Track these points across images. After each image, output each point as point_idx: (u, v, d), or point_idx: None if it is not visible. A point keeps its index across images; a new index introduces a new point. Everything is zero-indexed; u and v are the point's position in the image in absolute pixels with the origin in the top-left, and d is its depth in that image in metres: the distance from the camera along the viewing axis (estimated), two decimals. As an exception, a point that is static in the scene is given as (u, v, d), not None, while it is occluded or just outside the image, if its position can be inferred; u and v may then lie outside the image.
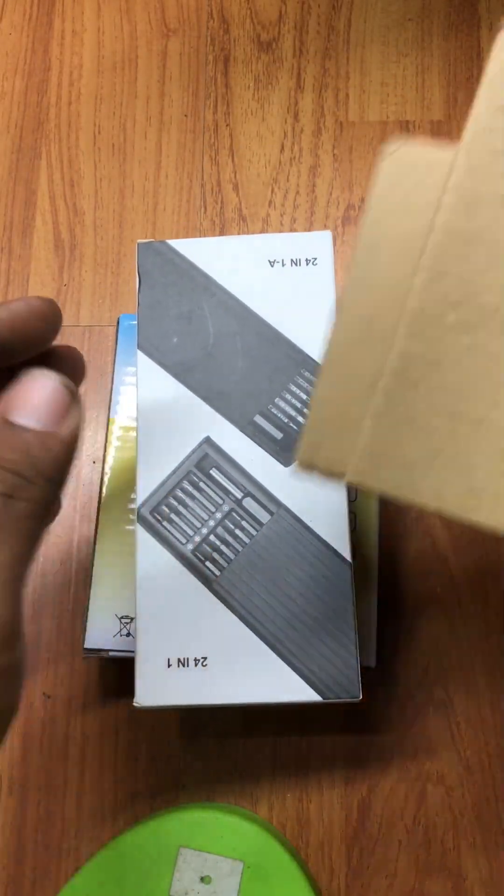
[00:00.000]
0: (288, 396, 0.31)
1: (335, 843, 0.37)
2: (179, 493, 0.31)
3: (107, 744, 0.39)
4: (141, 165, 0.48)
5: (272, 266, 0.32)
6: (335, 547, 0.30)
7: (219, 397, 0.31)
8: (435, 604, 0.40)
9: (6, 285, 0.46)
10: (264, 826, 0.36)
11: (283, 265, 0.32)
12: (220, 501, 0.30)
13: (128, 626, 0.36)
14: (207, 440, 0.31)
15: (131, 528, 0.37)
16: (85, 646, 0.36)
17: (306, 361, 0.31)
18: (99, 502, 0.38)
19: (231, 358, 0.32)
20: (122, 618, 0.36)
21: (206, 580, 0.30)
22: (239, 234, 0.46)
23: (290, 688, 0.29)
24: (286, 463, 0.31)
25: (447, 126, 0.47)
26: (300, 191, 0.47)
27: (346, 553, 0.30)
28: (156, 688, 0.29)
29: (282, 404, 0.31)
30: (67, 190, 0.47)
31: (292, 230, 0.46)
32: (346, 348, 0.19)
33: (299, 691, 0.29)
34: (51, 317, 0.26)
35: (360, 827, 0.37)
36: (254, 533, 0.30)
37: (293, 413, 0.31)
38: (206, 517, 0.30)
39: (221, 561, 0.30)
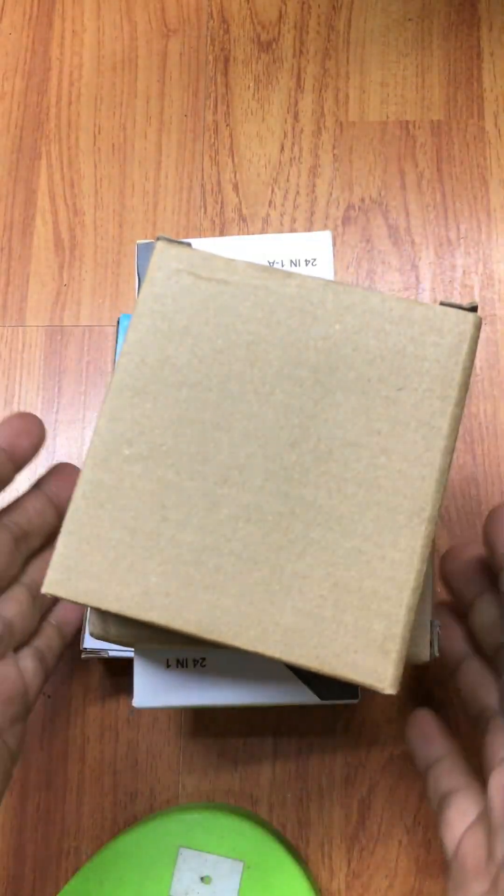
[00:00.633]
0: None
1: (335, 843, 0.37)
2: None
3: (107, 744, 0.39)
4: (141, 165, 0.48)
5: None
6: None
7: None
8: (435, 604, 0.40)
9: (6, 285, 0.46)
10: (264, 826, 0.36)
11: (282, 266, 0.32)
12: None
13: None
14: None
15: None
16: (84, 646, 0.36)
17: None
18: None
19: None
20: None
21: None
22: (239, 234, 0.46)
23: (288, 689, 0.29)
24: None
25: (447, 126, 0.47)
26: (300, 191, 0.47)
27: None
28: (154, 689, 0.29)
29: None
30: (67, 190, 0.47)
31: (292, 230, 0.46)
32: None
33: (298, 692, 0.29)
34: (36, 434, 0.31)
35: (360, 827, 0.37)
36: None
37: None
38: None
39: None
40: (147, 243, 0.33)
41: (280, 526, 0.22)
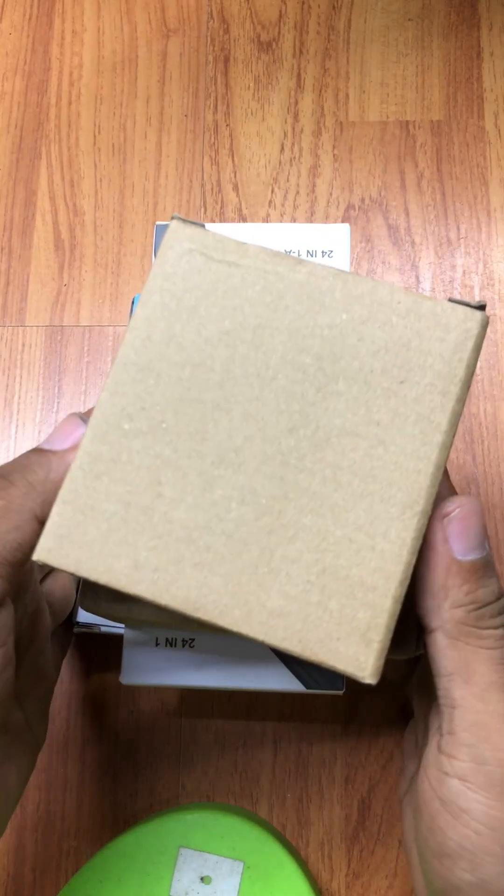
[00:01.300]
0: None
1: (335, 843, 0.37)
2: None
3: (107, 744, 0.39)
4: (141, 165, 0.48)
5: None
6: None
7: None
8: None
9: (6, 285, 0.46)
10: (264, 826, 0.36)
11: (298, 255, 0.32)
12: None
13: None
14: None
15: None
16: (77, 619, 0.36)
17: None
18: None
19: None
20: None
21: None
22: (239, 234, 0.46)
23: (275, 676, 0.29)
24: None
25: (447, 126, 0.47)
26: (300, 191, 0.47)
27: None
28: (142, 667, 0.29)
29: None
30: (67, 190, 0.47)
31: (292, 230, 0.46)
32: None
33: (284, 680, 0.29)
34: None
35: (360, 827, 0.37)
36: None
37: None
38: None
39: None
40: (166, 225, 0.33)
41: (273, 509, 0.22)
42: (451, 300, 0.23)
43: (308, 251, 0.32)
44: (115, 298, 0.45)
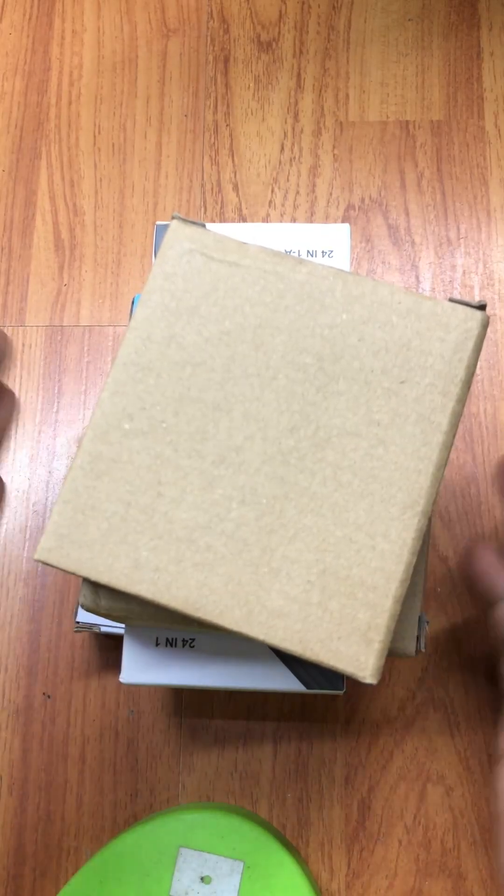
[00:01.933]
0: None
1: (335, 843, 0.37)
2: None
3: (107, 744, 0.39)
4: (141, 165, 0.48)
5: None
6: None
7: None
8: (435, 604, 0.40)
9: (6, 285, 0.46)
10: (264, 826, 0.36)
11: (298, 255, 0.32)
12: None
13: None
14: None
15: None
16: (77, 619, 0.36)
17: None
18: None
19: None
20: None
21: None
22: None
23: (275, 675, 0.29)
24: None
25: (447, 126, 0.47)
26: (300, 191, 0.47)
27: None
28: (143, 666, 0.29)
29: None
30: (67, 190, 0.47)
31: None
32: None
33: (284, 680, 0.29)
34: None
35: (360, 827, 0.37)
36: None
37: None
38: None
39: None
40: (166, 225, 0.33)
41: (273, 509, 0.22)
42: (451, 300, 0.23)
43: (308, 251, 0.32)
44: (115, 298, 0.45)
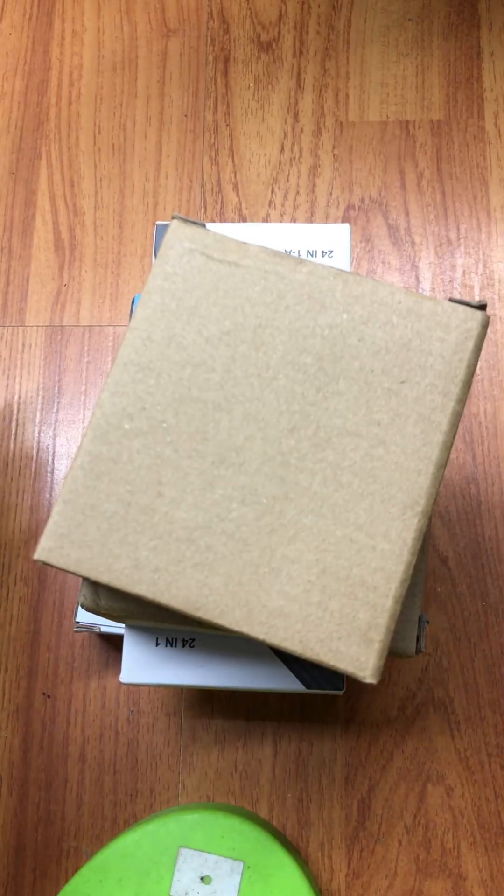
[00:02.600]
0: None
1: (335, 843, 0.37)
2: None
3: (107, 744, 0.39)
4: (141, 165, 0.48)
5: None
6: None
7: None
8: (435, 604, 0.40)
9: (6, 285, 0.46)
10: (264, 826, 0.36)
11: (298, 255, 0.32)
12: None
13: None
14: None
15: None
16: (77, 619, 0.36)
17: None
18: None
19: None
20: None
21: None
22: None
23: (275, 675, 0.29)
24: None
25: (447, 126, 0.47)
26: (300, 191, 0.47)
27: None
28: (142, 666, 0.29)
29: None
30: (67, 190, 0.47)
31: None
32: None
33: (284, 679, 0.29)
34: None
35: (360, 827, 0.37)
36: None
37: None
38: None
39: None
40: (166, 225, 0.33)
41: (273, 509, 0.22)
42: (451, 300, 0.23)
43: (308, 251, 0.32)
44: (115, 298, 0.45)
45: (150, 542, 0.22)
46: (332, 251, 0.32)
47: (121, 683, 0.39)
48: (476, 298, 0.44)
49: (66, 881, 0.37)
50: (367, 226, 0.46)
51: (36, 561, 0.22)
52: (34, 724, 0.39)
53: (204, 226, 0.24)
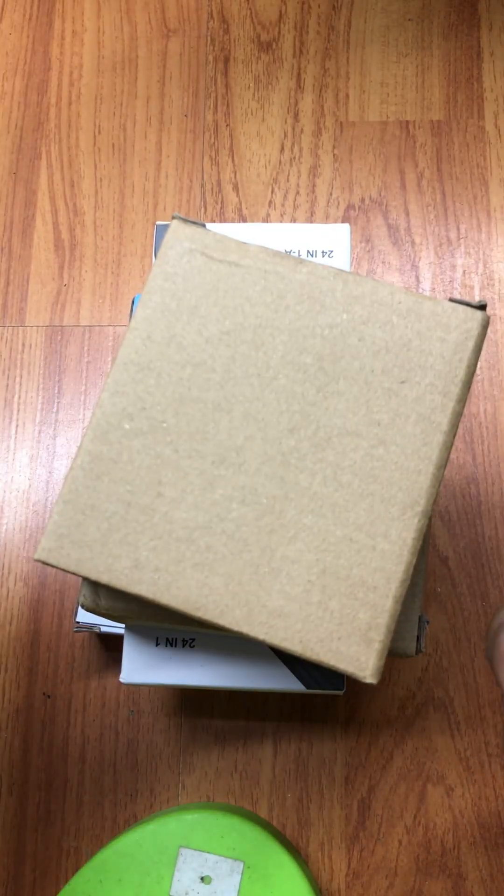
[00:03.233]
0: None
1: (335, 843, 0.37)
2: None
3: (107, 744, 0.39)
4: (141, 165, 0.48)
5: None
6: None
7: None
8: (435, 604, 0.40)
9: (6, 285, 0.46)
10: (264, 826, 0.36)
11: (298, 255, 0.32)
12: None
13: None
14: None
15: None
16: (77, 619, 0.36)
17: None
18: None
19: None
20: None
21: None
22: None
23: (275, 676, 0.29)
24: None
25: (447, 126, 0.47)
26: (300, 191, 0.47)
27: None
28: (142, 666, 0.29)
29: None
30: (67, 190, 0.47)
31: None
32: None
33: (284, 679, 0.29)
34: None
35: (360, 827, 0.37)
36: None
37: None
38: None
39: None
40: (166, 225, 0.33)
41: (273, 509, 0.22)
42: (451, 300, 0.23)
43: (308, 251, 0.32)
44: (115, 298, 0.45)
45: (150, 542, 0.22)
46: (332, 251, 0.32)
47: (121, 683, 0.39)
48: (476, 298, 0.44)
49: (66, 881, 0.37)
50: (367, 226, 0.46)
51: (36, 561, 0.22)
52: (34, 724, 0.39)
53: (204, 226, 0.24)
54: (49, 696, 0.39)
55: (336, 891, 0.37)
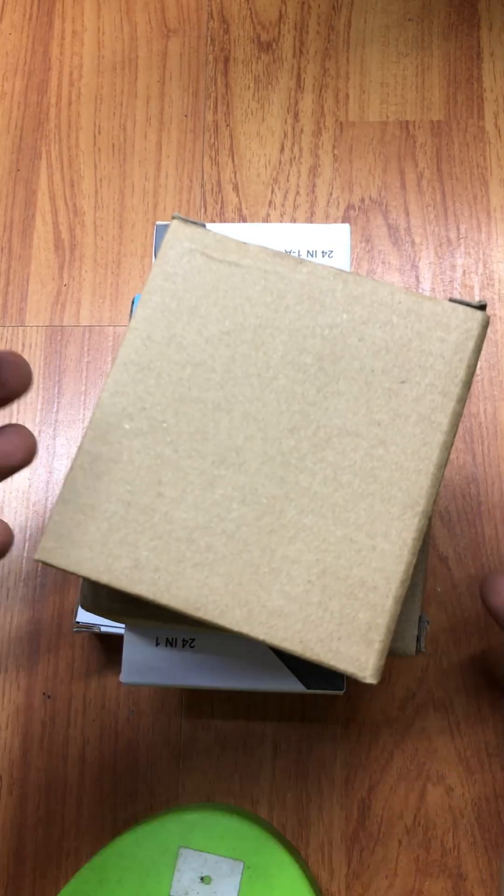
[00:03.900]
0: None
1: (335, 843, 0.37)
2: None
3: (107, 744, 0.39)
4: (141, 165, 0.48)
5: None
6: None
7: None
8: (435, 604, 0.40)
9: (6, 285, 0.46)
10: (264, 826, 0.36)
11: (298, 255, 0.32)
12: None
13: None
14: None
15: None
16: (77, 619, 0.36)
17: None
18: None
19: None
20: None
21: None
22: (239, 234, 0.46)
23: (275, 676, 0.29)
24: None
25: (447, 126, 0.47)
26: (300, 191, 0.47)
27: None
28: (143, 666, 0.29)
29: None
30: (67, 190, 0.47)
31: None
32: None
33: (284, 680, 0.29)
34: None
35: (360, 827, 0.37)
36: None
37: None
38: None
39: None
40: (166, 225, 0.33)
41: (274, 509, 0.22)
42: (451, 300, 0.23)
43: (308, 251, 0.32)
44: (115, 298, 0.45)
45: (149, 542, 0.22)
46: (332, 251, 0.32)
47: (121, 683, 0.39)
48: (476, 298, 0.44)
49: (66, 881, 0.37)
50: (367, 226, 0.46)
51: (36, 561, 0.22)
52: (34, 724, 0.39)
53: (204, 226, 0.24)
54: (49, 696, 0.39)
55: (336, 891, 0.37)
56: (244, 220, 0.46)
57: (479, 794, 0.37)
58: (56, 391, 0.44)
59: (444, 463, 0.22)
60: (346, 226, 0.32)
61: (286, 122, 0.48)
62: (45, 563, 0.22)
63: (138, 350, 0.23)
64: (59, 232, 0.47)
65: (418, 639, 0.26)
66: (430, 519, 0.22)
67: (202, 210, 0.47)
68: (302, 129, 0.48)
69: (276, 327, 0.23)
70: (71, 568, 0.22)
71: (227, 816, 0.36)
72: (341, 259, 0.32)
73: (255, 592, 0.21)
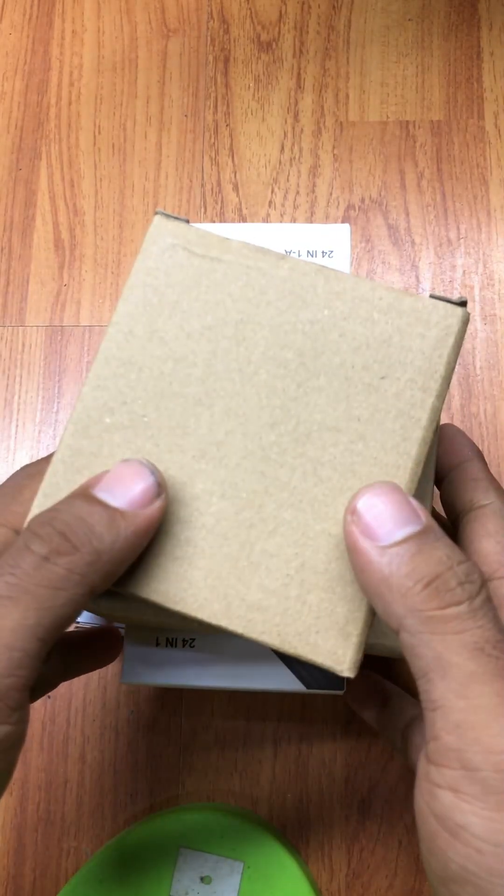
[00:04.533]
0: None
1: (335, 843, 0.37)
2: None
3: (107, 744, 0.39)
4: (141, 165, 0.48)
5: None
6: None
7: None
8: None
9: (6, 285, 0.46)
10: (264, 826, 0.36)
11: (298, 256, 0.32)
12: None
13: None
14: None
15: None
16: (76, 619, 0.36)
17: None
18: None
19: None
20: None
21: None
22: (239, 234, 0.46)
23: (275, 676, 0.29)
24: None
25: (447, 126, 0.47)
26: (300, 191, 0.47)
27: None
28: (143, 666, 0.29)
29: None
30: (67, 190, 0.47)
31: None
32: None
33: (284, 680, 0.29)
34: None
35: (360, 827, 0.37)
36: None
37: None
38: None
39: None
40: None
41: (253, 504, 0.22)
42: (432, 296, 0.23)
43: (308, 251, 0.32)
44: (115, 298, 0.45)
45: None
46: (332, 251, 0.32)
47: (121, 683, 0.39)
48: (476, 298, 0.44)
49: (66, 881, 0.37)
50: (367, 226, 0.46)
51: None
52: (34, 724, 0.39)
53: (187, 221, 0.24)
54: (49, 697, 0.39)
55: (336, 891, 0.37)
56: (244, 220, 0.46)
57: (479, 794, 0.37)
58: (56, 391, 0.44)
59: (423, 458, 0.22)
60: (346, 226, 0.32)
61: (286, 122, 0.48)
62: None
63: (120, 345, 0.23)
64: (59, 232, 0.47)
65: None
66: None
67: (202, 210, 0.47)
68: (302, 129, 0.48)
69: (258, 322, 0.23)
70: None
71: (227, 816, 0.36)
72: (341, 259, 0.32)
73: (233, 586, 0.21)
